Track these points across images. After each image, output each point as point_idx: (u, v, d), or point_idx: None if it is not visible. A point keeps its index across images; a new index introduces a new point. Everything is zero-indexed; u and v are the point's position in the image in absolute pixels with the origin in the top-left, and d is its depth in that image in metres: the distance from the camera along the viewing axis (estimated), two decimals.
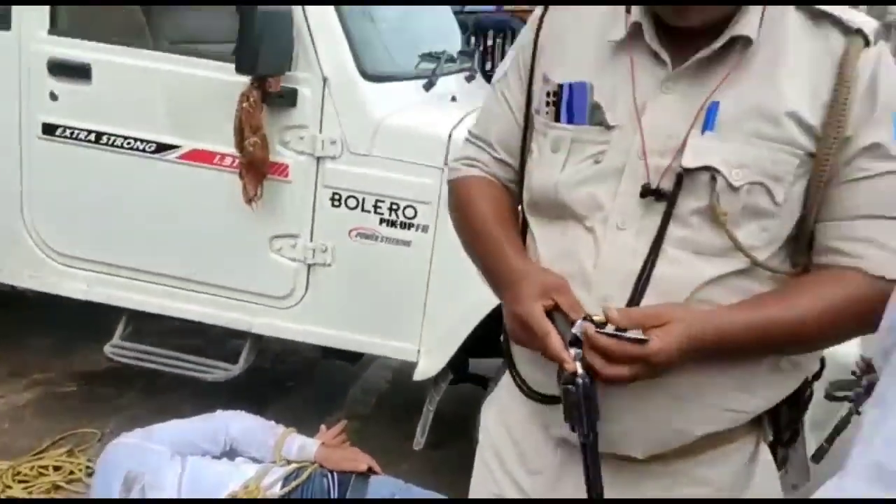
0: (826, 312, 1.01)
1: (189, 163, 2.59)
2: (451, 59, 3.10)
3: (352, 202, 2.50)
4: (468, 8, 6.55)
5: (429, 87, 2.74)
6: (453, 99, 2.77)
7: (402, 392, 3.31)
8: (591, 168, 1.08)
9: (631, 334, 0.97)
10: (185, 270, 2.69)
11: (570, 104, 1.10)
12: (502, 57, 7.40)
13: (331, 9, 2.49)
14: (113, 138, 2.62)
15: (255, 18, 2.29)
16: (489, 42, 6.78)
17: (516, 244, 1.17)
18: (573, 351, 1.00)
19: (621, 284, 1.04)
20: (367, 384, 3.51)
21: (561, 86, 1.11)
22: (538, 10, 1.20)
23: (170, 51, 2.67)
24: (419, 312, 2.50)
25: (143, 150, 2.61)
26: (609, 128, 1.07)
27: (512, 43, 6.53)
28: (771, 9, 1.03)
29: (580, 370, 0.99)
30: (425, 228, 2.46)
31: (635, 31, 1.06)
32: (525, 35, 1.21)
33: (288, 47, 2.42)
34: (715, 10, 1.01)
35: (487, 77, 5.51)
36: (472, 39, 6.36)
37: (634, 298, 1.03)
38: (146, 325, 2.89)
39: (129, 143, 2.61)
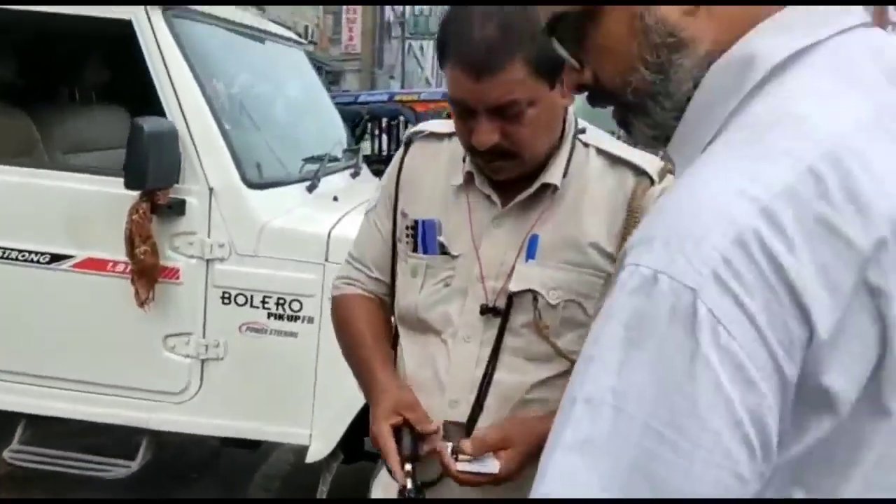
0: None
1: (83, 271, 2.71)
2: (335, 159, 3.35)
3: (241, 299, 2.67)
4: (362, 98, 6.93)
5: (312, 188, 2.95)
6: (335, 199, 2.96)
7: (306, 474, 3.42)
8: (443, 290, 1.31)
9: (483, 469, 1.19)
10: (82, 373, 2.77)
11: (424, 238, 1.33)
12: (397, 138, 7.75)
13: (213, 123, 2.68)
14: (7, 251, 2.73)
15: (143, 136, 2.46)
16: (383, 124, 7.17)
17: (383, 358, 1.36)
18: (409, 466, 1.21)
19: (468, 388, 1.28)
20: (271, 469, 3.61)
21: (416, 221, 1.34)
22: (399, 151, 1.45)
23: (62, 164, 2.81)
24: (309, 398, 2.65)
25: (38, 262, 2.72)
26: (454, 257, 1.30)
27: (404, 128, 6.91)
28: (577, 156, 1.30)
29: (409, 485, 1.19)
30: (311, 319, 2.64)
31: (469, 178, 1.30)
32: (390, 173, 1.43)
33: (175, 162, 2.60)
34: (522, 168, 1.24)
35: (382, 160, 5.82)
36: (368, 125, 6.72)
37: (479, 400, 1.27)
38: (45, 428, 2.95)
39: (23, 256, 2.72)
